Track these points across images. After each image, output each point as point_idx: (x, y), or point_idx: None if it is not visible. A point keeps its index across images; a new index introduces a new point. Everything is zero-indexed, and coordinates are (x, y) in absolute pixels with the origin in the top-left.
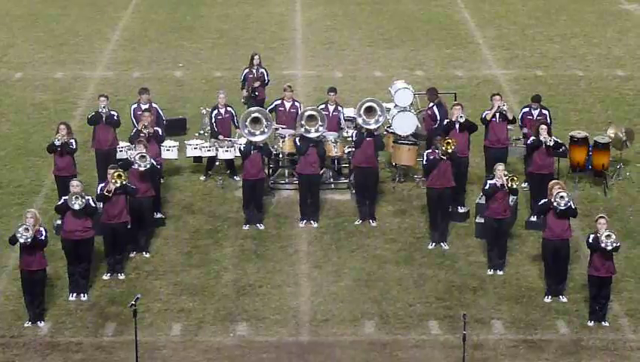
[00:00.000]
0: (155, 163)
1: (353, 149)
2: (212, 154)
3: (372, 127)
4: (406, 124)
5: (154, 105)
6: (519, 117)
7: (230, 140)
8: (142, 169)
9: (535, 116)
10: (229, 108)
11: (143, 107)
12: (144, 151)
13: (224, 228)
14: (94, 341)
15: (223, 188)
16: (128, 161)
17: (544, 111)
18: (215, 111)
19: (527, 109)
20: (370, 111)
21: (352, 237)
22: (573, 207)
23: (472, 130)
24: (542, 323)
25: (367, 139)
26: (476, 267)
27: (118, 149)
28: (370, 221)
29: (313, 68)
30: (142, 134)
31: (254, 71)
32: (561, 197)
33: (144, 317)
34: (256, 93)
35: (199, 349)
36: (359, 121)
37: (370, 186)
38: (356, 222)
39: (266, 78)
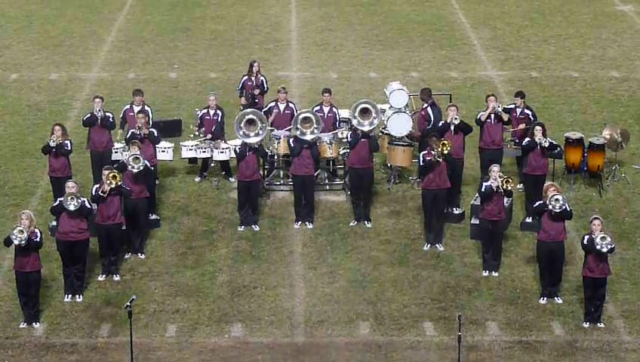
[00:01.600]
0: (148, 164)
1: (348, 150)
2: (207, 155)
3: (366, 128)
4: (401, 125)
5: (146, 107)
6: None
7: (208, 139)
8: (135, 170)
9: (518, 114)
10: (217, 111)
11: (136, 109)
12: (138, 152)
13: (219, 229)
14: (89, 342)
15: (218, 190)
16: (124, 164)
17: (527, 111)
18: (204, 111)
19: (512, 105)
20: (365, 112)
21: (347, 239)
22: (568, 209)
23: (467, 131)
24: (537, 324)
25: (362, 140)
26: (471, 268)
27: (113, 150)
28: (365, 222)
29: (308, 69)
30: (137, 135)
31: (253, 78)
32: (556, 199)
33: (139, 318)
34: (257, 101)
35: (194, 350)
36: (354, 122)
37: (365, 187)
38: (351, 223)
39: (265, 86)
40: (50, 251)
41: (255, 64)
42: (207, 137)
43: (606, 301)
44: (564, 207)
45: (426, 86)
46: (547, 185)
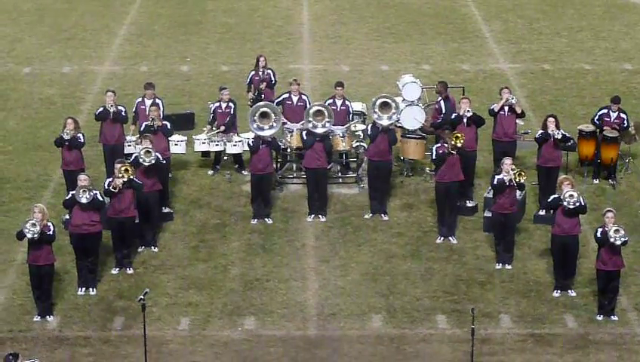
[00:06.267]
0: (160, 157)
1: (363, 144)
2: (220, 148)
3: (384, 123)
4: (414, 118)
5: (157, 100)
6: (596, 117)
7: (221, 132)
8: (146, 164)
9: (612, 119)
10: (230, 104)
11: (148, 102)
12: (150, 146)
13: (231, 222)
14: (102, 335)
15: (231, 183)
16: (137, 160)
17: (622, 115)
18: (217, 104)
19: (605, 110)
20: (385, 106)
21: (360, 231)
22: (582, 204)
23: (479, 123)
24: (550, 317)
25: (382, 133)
26: (484, 261)
27: (125, 144)
28: (382, 215)
29: (320, 62)
30: (150, 127)
31: (260, 73)
32: (571, 195)
33: (152, 312)
34: (262, 96)
35: (207, 343)
36: (373, 116)
37: (383, 180)
38: (366, 216)
39: (273, 79)
40: (64, 244)
41: (261, 58)
42: (221, 130)
43: (619, 294)
44: (577, 203)
45: (438, 79)
46: (562, 179)
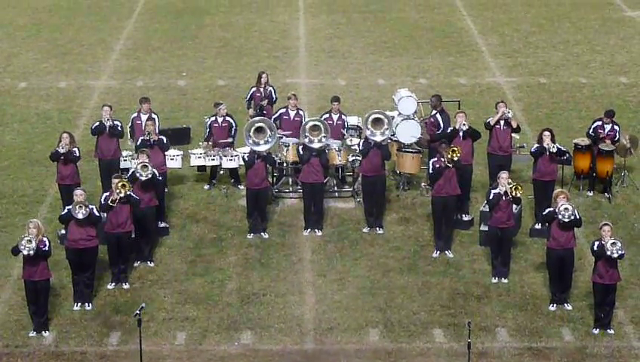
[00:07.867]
0: (156, 172)
1: (359, 158)
2: (216, 163)
3: (378, 138)
4: (410, 132)
5: (153, 115)
6: (590, 129)
7: (219, 148)
8: (143, 178)
9: (606, 131)
10: (227, 118)
11: (143, 117)
12: (147, 160)
13: (228, 236)
14: (99, 350)
15: (227, 197)
16: (134, 175)
17: (615, 127)
18: (212, 119)
19: (599, 123)
20: (377, 122)
21: (356, 246)
22: (577, 217)
23: (475, 137)
24: (546, 330)
25: (374, 148)
26: (480, 275)
27: (121, 158)
28: (378, 229)
29: (316, 76)
30: (147, 141)
31: (262, 90)
32: (566, 209)
33: (148, 326)
34: (264, 112)
35: (203, 358)
36: (367, 132)
37: (378, 194)
38: (364, 230)
39: (274, 96)
40: (60, 259)
41: (264, 75)
42: (228, 141)
43: (616, 307)
44: (572, 217)
45: (434, 93)
46: (557, 193)
